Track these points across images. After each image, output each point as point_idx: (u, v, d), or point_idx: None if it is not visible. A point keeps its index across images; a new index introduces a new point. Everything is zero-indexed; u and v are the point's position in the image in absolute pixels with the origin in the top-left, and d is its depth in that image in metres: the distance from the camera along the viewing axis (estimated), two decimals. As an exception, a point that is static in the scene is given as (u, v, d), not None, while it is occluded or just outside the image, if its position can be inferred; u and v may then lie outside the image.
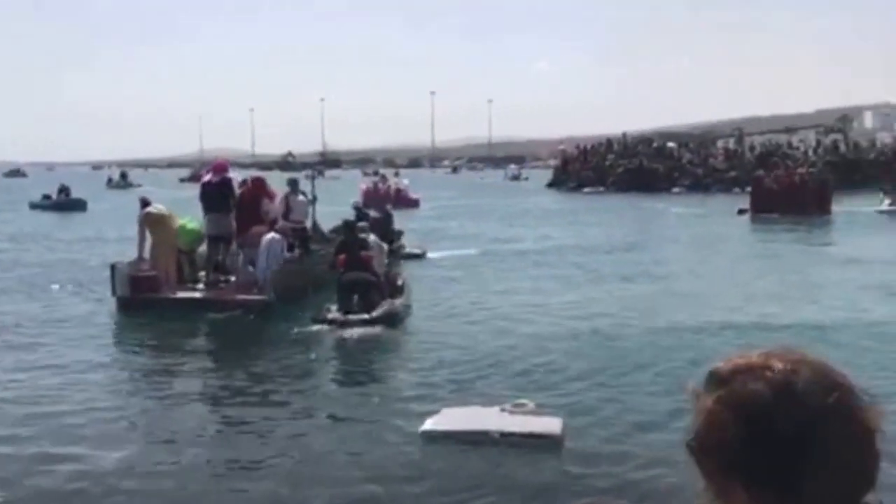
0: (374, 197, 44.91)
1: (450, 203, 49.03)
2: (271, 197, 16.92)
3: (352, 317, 13.45)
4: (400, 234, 23.78)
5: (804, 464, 1.04)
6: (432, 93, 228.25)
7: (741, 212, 38.11)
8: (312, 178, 20.66)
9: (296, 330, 13.41)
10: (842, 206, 38.88)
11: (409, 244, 23.57)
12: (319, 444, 8.44)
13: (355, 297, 13.83)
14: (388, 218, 23.68)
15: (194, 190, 18.38)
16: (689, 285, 18.20)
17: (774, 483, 1.05)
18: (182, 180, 79.20)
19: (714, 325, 13.60)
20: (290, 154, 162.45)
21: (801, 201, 36.75)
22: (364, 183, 49.53)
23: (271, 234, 15.53)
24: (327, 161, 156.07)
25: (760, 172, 45.33)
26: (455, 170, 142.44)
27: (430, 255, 23.26)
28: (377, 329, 13.26)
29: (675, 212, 41.49)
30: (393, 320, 13.67)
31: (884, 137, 77.62)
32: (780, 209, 35.89)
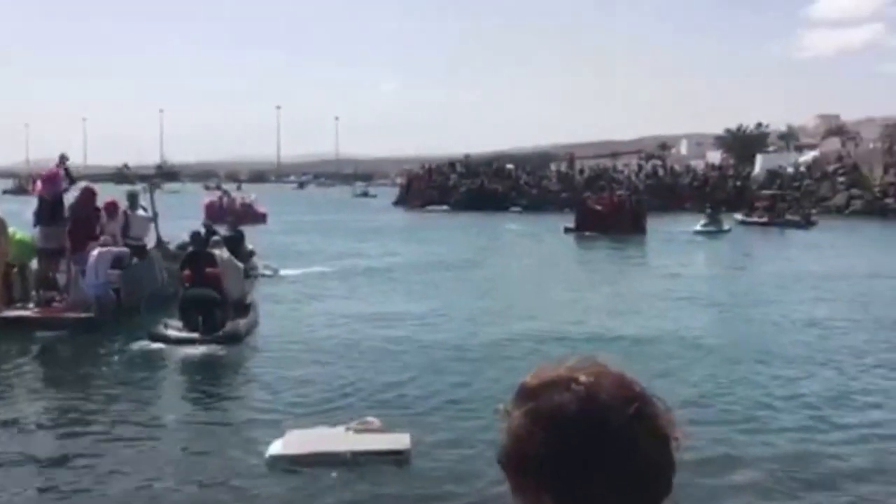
0: (219, 211, 43.26)
1: (298, 219, 48.12)
2: (109, 211, 15.80)
3: (193, 335, 12.60)
4: (252, 253, 22.70)
5: (609, 473, 1.04)
6: (278, 107, 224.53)
7: (567, 230, 39.68)
8: (151, 192, 19.14)
9: (132, 348, 12.51)
10: (663, 226, 40.98)
11: (261, 262, 22.64)
12: (156, 471, 7.74)
13: (199, 314, 12.89)
14: (239, 237, 22.49)
15: (19, 202, 16.93)
16: (523, 300, 18.49)
17: (581, 494, 1.05)
18: (6, 192, 73.92)
19: (549, 337, 13.81)
20: (125, 166, 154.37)
21: (619, 221, 38.78)
22: (208, 197, 47.78)
23: (99, 249, 14.38)
24: (165, 174, 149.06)
25: (588, 194, 47.35)
26: (301, 185, 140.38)
27: (282, 272, 22.52)
28: (220, 348, 12.49)
29: (510, 229, 42.44)
30: (237, 340, 12.86)
31: (697, 164, 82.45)
32: (601, 228, 37.78)
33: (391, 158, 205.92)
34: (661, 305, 17.70)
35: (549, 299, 18.69)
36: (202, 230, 19.70)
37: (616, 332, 14.42)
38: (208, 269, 13.43)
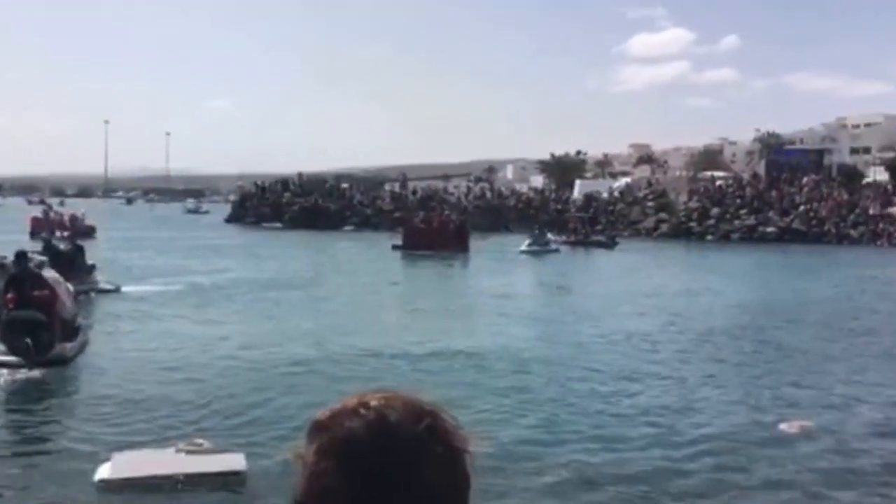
0: (45, 225, 41.05)
1: (129, 235, 45.95)
2: None
3: (15, 359, 11.83)
4: (92, 268, 21.73)
5: (405, 492, 1.03)
6: (106, 121, 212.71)
7: (395, 248, 40.56)
8: None
9: None
10: (491, 245, 42.33)
11: (102, 278, 21.70)
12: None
13: (25, 337, 12.00)
14: (78, 251, 21.50)
15: None
16: (356, 318, 18.58)
17: None
18: None
19: (383, 354, 14.01)
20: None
21: (444, 239, 40.28)
22: (34, 211, 45.04)
23: None
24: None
25: (421, 214, 48.36)
26: (130, 201, 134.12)
27: (124, 289, 21.60)
28: (46, 372, 11.82)
29: (342, 247, 42.46)
30: (64, 362, 12.23)
31: (522, 187, 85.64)
32: (427, 246, 38.86)
33: (223, 175, 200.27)
34: (487, 322, 18.30)
35: (382, 317, 18.88)
36: (42, 247, 18.47)
37: (449, 348, 14.77)
38: (35, 292, 12.62)
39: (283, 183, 70.01)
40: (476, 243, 41.09)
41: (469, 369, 13.15)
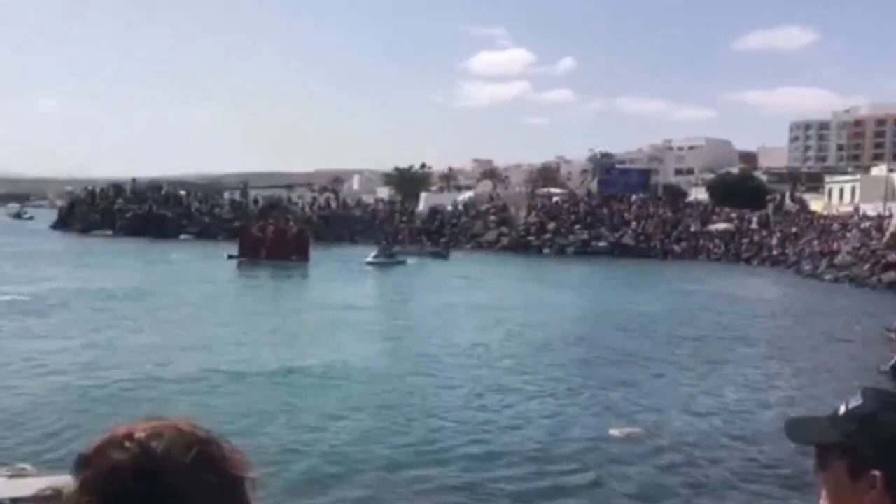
0: None
1: None
2: None
3: None
4: None
5: None
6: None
7: (231, 257, 39.50)
8: None
9: None
10: (335, 256, 41.94)
11: None
12: None
13: None
14: None
15: None
16: (191, 332, 17.94)
17: None
18: None
19: (219, 370, 13.58)
20: None
21: (281, 249, 39.60)
22: None
23: None
24: None
25: (262, 222, 47.24)
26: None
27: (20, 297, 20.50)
28: None
29: (175, 256, 40.75)
30: None
31: (368, 198, 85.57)
32: (265, 255, 38.04)
33: (50, 179, 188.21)
34: (325, 337, 18.06)
35: (213, 333, 18.17)
36: None
37: (287, 363, 14.51)
38: None
39: (116, 188, 66.59)
40: (318, 254, 40.61)
41: (304, 387, 12.95)
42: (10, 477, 7.36)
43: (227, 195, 73.46)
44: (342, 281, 32.18)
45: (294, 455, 9.13)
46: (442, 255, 48.23)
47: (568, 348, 17.60)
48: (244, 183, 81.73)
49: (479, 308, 24.38)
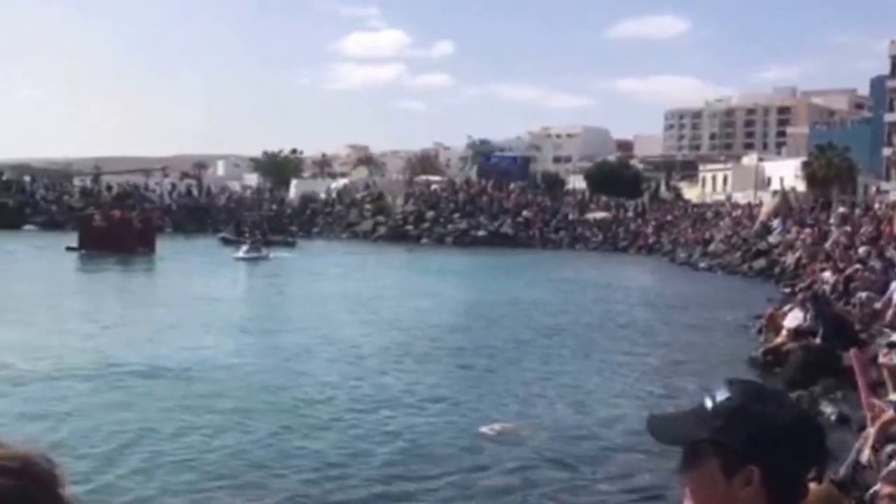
0: None
1: None
2: None
3: None
4: None
5: None
6: None
7: (70, 249, 37.72)
8: None
9: None
10: (195, 248, 40.51)
11: None
12: None
13: None
14: None
15: None
16: (22, 330, 16.77)
17: None
18: None
19: (69, 374, 12.67)
20: None
21: (125, 239, 38.02)
22: None
23: None
24: None
25: (102, 211, 45.14)
26: None
27: None
28: None
29: (12, 249, 38.25)
30: None
31: (234, 185, 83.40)
32: (108, 246, 36.58)
33: None
34: (175, 333, 17.32)
35: (61, 330, 17.15)
36: None
37: (138, 362, 13.77)
38: None
39: (-51, 174, 62.24)
40: (178, 245, 39.13)
41: (152, 386, 12.28)
42: None
43: (77, 182, 69.89)
44: (199, 273, 31.11)
45: (141, 463, 8.55)
46: (288, 244, 47.09)
47: (441, 342, 17.50)
48: (96, 168, 78.09)
49: (349, 300, 24.04)
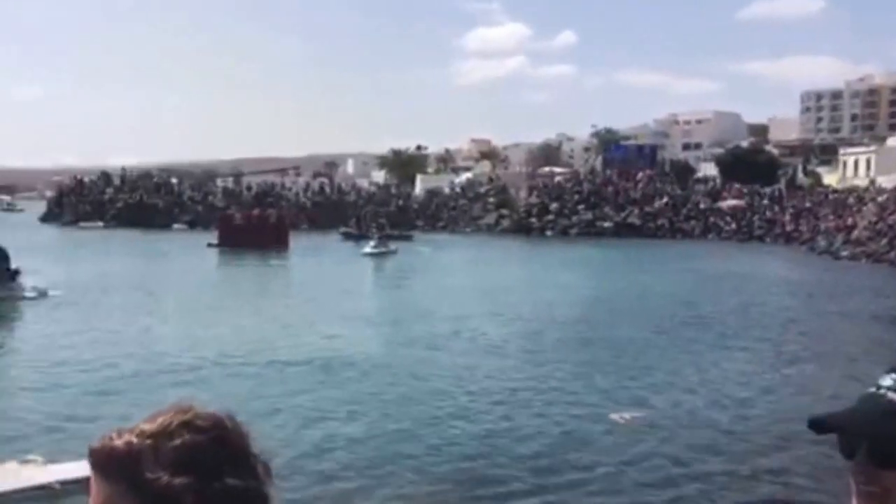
0: None
1: None
2: None
3: None
4: (16, 273, 20.77)
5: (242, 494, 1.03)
6: None
7: (211, 245, 39.92)
8: None
9: None
10: (327, 244, 42.00)
11: (29, 284, 20.86)
12: None
13: None
14: (3, 255, 20.86)
15: None
16: (178, 323, 18.02)
17: None
18: None
19: (231, 362, 13.62)
20: None
21: (262, 236, 40.00)
22: None
23: None
24: None
25: (232, 210, 47.64)
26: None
27: (51, 293, 20.78)
28: None
29: (164, 248, 40.75)
30: None
31: (362, 183, 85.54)
32: (245, 243, 38.43)
33: (37, 169, 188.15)
34: (315, 325, 17.99)
35: (210, 322, 18.23)
36: None
37: (283, 353, 14.57)
38: None
39: (106, 178, 66.52)
40: (314, 241, 40.59)
41: (303, 376, 13.02)
42: (22, 463, 7.69)
43: (220, 182, 73.49)
44: (331, 268, 32.27)
45: (301, 446, 9.16)
46: (405, 237, 47.74)
47: (571, 332, 17.64)
48: (237, 170, 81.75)
49: (478, 292, 24.42)
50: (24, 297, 20.38)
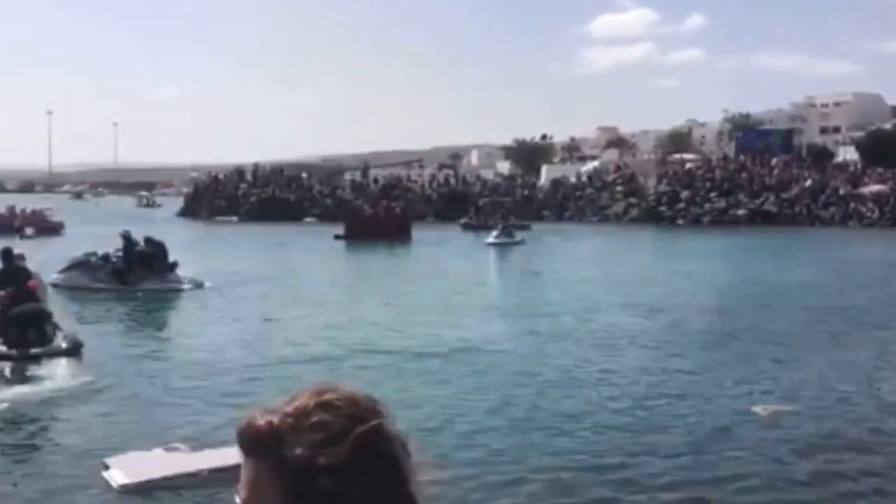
0: (9, 221, 42.09)
1: (93, 230, 45.07)
2: None
3: (35, 350, 12.48)
4: (174, 265, 22.03)
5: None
6: (49, 112, 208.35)
7: (337, 237, 40.93)
8: None
9: None
10: (454, 235, 42.32)
11: (185, 275, 22.05)
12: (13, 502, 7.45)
13: (29, 330, 12.67)
14: (162, 249, 22.06)
15: None
16: (319, 314, 18.41)
17: None
18: None
19: (359, 350, 13.95)
20: None
21: (386, 228, 41.05)
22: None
23: None
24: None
25: (355, 202, 48.85)
26: (79, 195, 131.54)
27: (208, 285, 21.92)
28: (47, 364, 12.23)
29: (295, 240, 42.06)
30: (77, 351, 12.86)
31: (487, 174, 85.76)
32: (370, 235, 39.44)
33: (174, 166, 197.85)
34: (445, 316, 18.04)
35: (342, 311, 18.66)
36: (123, 243, 21.22)
37: (422, 342, 14.77)
38: (30, 283, 13.40)
39: (239, 174, 69.26)
40: (443, 232, 41.09)
41: (440, 366, 13.16)
42: (187, 451, 8.13)
43: (347, 176, 75.31)
44: (454, 258, 32.49)
45: (443, 435, 9.21)
46: (525, 227, 47.09)
47: (709, 323, 17.16)
48: (364, 163, 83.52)
49: (608, 283, 24.05)
50: (182, 289, 21.41)
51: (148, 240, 22.49)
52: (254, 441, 1.07)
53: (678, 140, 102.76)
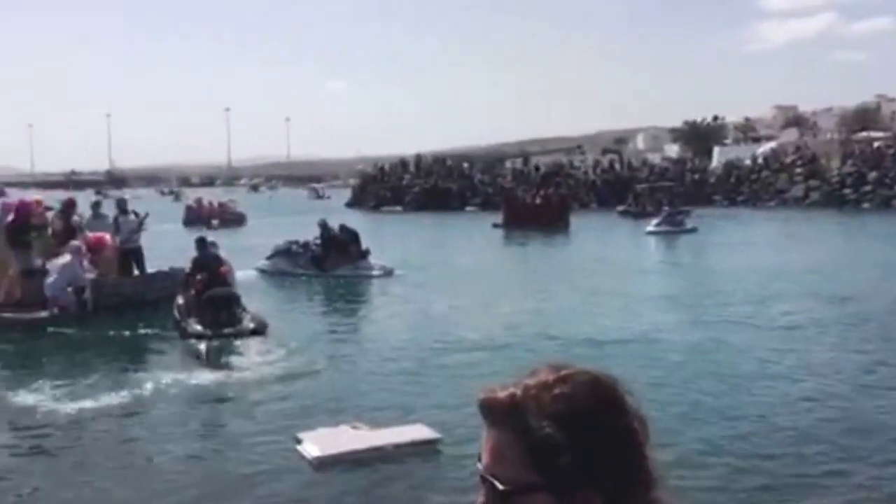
0: (198, 214, 45.66)
1: (272, 221, 47.97)
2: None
3: (227, 330, 13.82)
4: (366, 252, 23.54)
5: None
6: (227, 109, 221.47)
7: (496, 226, 41.31)
8: (97, 199, 20.67)
9: (158, 347, 13.60)
10: (618, 222, 41.76)
11: (377, 263, 23.31)
12: (216, 470, 8.44)
13: (221, 311, 14.09)
14: (355, 236, 23.69)
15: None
16: (494, 301, 18.78)
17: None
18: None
19: (534, 338, 14.30)
20: (73, 172, 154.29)
21: (545, 216, 40.84)
22: (188, 200, 51.25)
23: (67, 257, 15.52)
24: (114, 179, 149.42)
25: (509, 190, 48.78)
26: (255, 188, 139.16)
27: (397, 272, 22.99)
28: (238, 344, 13.49)
29: (456, 229, 42.95)
30: (263, 330, 14.12)
31: (654, 158, 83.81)
32: (528, 223, 39.37)
33: (339, 160, 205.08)
34: (607, 305, 18.04)
35: (511, 303, 18.76)
36: (320, 232, 23.14)
37: (580, 333, 14.90)
38: (222, 268, 14.95)
39: (403, 165, 71.18)
40: (606, 220, 40.65)
41: (613, 357, 13.26)
42: (370, 429, 8.81)
43: (508, 164, 75.70)
44: (614, 247, 32.10)
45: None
46: (684, 213, 45.22)
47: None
48: (525, 151, 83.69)
49: (787, 272, 23.12)
50: (373, 275, 22.58)
51: (343, 227, 24.04)
52: (497, 412, 1.14)
53: (865, 117, 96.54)
